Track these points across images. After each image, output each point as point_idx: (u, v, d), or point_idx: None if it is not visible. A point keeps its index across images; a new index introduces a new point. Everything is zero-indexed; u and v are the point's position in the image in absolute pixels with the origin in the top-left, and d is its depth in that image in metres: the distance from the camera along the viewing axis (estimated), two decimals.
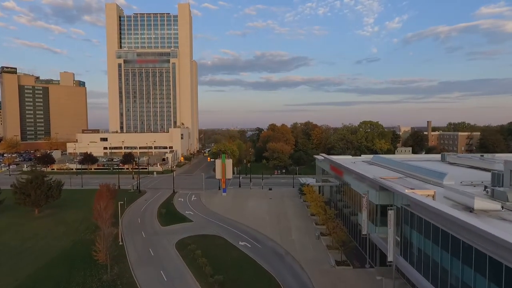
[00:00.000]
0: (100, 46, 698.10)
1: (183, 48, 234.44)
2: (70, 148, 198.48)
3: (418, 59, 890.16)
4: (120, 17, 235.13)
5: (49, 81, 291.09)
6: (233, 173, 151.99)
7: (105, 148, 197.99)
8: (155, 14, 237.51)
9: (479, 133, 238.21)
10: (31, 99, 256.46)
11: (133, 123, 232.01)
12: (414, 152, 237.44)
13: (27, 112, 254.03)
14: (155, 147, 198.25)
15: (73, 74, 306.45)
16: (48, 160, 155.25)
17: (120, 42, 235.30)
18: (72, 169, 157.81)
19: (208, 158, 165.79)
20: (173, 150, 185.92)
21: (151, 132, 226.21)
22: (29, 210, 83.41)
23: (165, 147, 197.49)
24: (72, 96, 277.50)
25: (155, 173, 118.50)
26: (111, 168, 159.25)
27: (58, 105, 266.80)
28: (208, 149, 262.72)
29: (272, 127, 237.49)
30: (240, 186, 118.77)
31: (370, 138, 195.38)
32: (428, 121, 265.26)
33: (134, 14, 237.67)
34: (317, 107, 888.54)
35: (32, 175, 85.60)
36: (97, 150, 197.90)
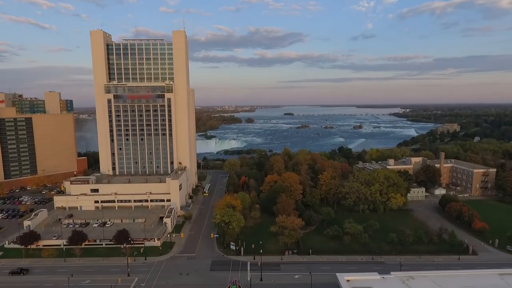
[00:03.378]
0: (90, 22, 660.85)
1: (179, 80, 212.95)
2: (58, 202, 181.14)
3: (413, 35, 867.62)
4: (108, 45, 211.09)
5: (33, 105, 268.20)
6: (240, 253, 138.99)
7: (96, 201, 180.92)
8: (147, 40, 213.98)
9: (494, 170, 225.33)
10: (13, 132, 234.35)
11: (126, 164, 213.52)
12: (427, 190, 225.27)
13: (9, 147, 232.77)
14: (151, 200, 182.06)
15: (59, 93, 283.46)
16: (32, 238, 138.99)
17: (109, 73, 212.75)
18: (60, 245, 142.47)
19: (212, 235, 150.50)
20: (172, 208, 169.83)
21: (146, 175, 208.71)
22: None
23: (163, 200, 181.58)
24: (58, 124, 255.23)
25: None
26: (104, 243, 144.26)
27: (43, 136, 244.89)
28: (208, 185, 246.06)
29: (277, 167, 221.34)
30: None
31: (384, 192, 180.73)
32: (441, 153, 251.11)
33: (124, 40, 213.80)
34: (311, 84, 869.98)
35: None
36: (87, 204, 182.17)
